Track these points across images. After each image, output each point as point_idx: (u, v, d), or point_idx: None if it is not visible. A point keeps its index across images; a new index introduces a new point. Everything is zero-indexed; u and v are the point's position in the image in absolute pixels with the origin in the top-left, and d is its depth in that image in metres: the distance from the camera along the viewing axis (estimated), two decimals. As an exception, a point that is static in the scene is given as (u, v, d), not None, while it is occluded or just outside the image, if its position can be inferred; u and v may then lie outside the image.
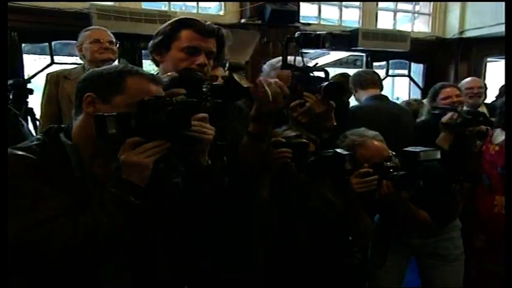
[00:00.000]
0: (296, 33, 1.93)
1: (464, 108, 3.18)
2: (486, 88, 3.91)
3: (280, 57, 2.01)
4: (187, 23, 1.67)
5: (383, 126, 2.65)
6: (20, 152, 1.18)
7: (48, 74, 3.01)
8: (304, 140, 1.81)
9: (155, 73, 1.53)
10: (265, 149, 1.69)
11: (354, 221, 1.94)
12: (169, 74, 1.51)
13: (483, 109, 3.71)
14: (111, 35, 2.98)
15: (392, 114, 3.09)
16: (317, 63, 2.00)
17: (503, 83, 3.94)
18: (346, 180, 1.90)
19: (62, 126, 1.33)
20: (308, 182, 1.86)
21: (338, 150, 1.82)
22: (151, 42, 1.72)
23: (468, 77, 4.16)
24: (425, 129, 2.94)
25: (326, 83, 1.88)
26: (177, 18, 1.71)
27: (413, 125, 3.16)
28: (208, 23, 1.68)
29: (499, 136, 2.62)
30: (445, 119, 2.72)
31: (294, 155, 1.76)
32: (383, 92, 3.36)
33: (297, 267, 1.87)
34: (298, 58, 1.96)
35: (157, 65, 1.78)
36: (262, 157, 1.70)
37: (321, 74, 1.96)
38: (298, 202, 1.88)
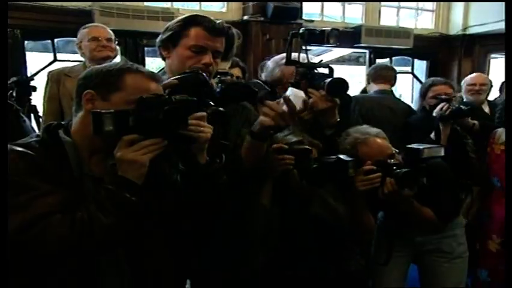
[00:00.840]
0: (301, 29, 1.92)
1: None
2: (491, 86, 3.84)
3: (284, 54, 2.00)
4: (197, 20, 1.66)
5: (381, 115, 2.65)
6: (19, 148, 1.18)
7: (49, 72, 3.02)
8: (307, 146, 1.79)
9: (157, 71, 1.52)
10: (265, 149, 1.68)
11: (356, 218, 1.94)
12: (169, 80, 1.50)
13: (485, 107, 3.67)
14: (110, 31, 2.97)
15: (392, 108, 3.15)
16: (322, 60, 1.99)
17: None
18: (350, 187, 1.90)
19: (62, 123, 1.34)
20: (310, 189, 1.85)
21: (341, 156, 1.81)
22: (159, 36, 1.72)
23: (472, 73, 4.13)
24: (416, 126, 2.93)
25: (330, 79, 1.87)
26: (188, 15, 1.71)
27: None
28: (220, 21, 1.67)
29: (503, 135, 2.59)
30: (435, 111, 2.70)
31: (296, 161, 1.75)
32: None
33: (298, 274, 1.86)
34: (302, 55, 1.96)
35: (163, 60, 1.78)
36: (263, 159, 1.69)
37: (325, 71, 1.96)
38: (301, 209, 1.87)
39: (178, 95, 1.37)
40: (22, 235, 1.09)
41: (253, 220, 1.78)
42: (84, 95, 1.26)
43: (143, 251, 1.35)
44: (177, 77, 1.50)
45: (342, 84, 1.91)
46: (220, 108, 1.45)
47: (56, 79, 2.91)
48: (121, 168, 1.20)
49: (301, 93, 1.66)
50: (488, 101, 3.78)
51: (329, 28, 1.91)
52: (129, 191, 1.18)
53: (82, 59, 3.00)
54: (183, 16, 1.71)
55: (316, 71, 1.95)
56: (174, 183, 1.40)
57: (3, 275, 1.13)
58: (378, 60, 5.47)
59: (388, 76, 3.36)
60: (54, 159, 1.21)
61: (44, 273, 1.20)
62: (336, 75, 1.95)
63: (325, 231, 1.86)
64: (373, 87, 3.34)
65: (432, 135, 2.67)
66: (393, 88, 3.48)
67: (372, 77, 3.39)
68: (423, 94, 3.02)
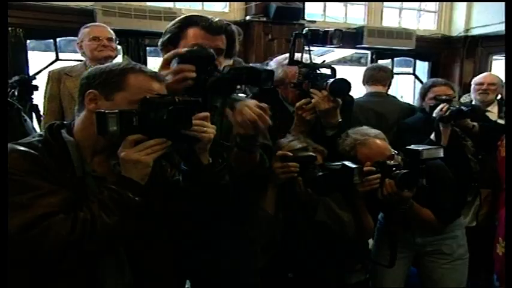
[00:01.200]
0: (304, 30, 1.93)
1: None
2: (502, 85, 3.76)
3: (287, 54, 2.00)
4: (194, 20, 1.64)
5: (363, 120, 2.64)
6: (22, 148, 1.18)
7: (50, 72, 3.03)
8: (311, 153, 1.79)
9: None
10: (258, 159, 1.61)
11: (356, 219, 1.94)
12: (178, 50, 1.49)
13: (494, 107, 3.64)
14: (111, 31, 2.98)
15: (378, 111, 3.05)
16: (324, 60, 2.00)
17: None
18: (355, 193, 1.90)
19: (64, 122, 1.34)
20: (316, 197, 1.84)
21: (346, 163, 1.80)
22: (160, 40, 1.71)
23: (474, 75, 4.10)
24: (414, 127, 2.87)
25: (332, 80, 1.87)
26: (184, 16, 1.69)
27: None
28: (217, 19, 1.65)
29: None
30: (435, 112, 2.68)
31: (301, 169, 1.74)
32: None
33: (299, 278, 1.86)
34: (305, 55, 1.96)
35: None
36: (256, 167, 1.64)
37: (328, 71, 1.96)
38: (305, 216, 1.86)
39: (186, 64, 1.38)
40: (24, 234, 1.09)
41: (255, 226, 1.77)
42: (87, 94, 1.26)
43: (145, 251, 1.35)
44: (186, 49, 1.49)
45: (345, 84, 1.92)
46: (226, 75, 1.43)
47: (56, 78, 2.91)
48: (124, 168, 1.20)
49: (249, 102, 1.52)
50: (498, 100, 3.74)
51: (332, 29, 1.91)
52: (132, 191, 1.19)
53: (84, 58, 3.00)
54: (179, 18, 1.69)
55: (318, 72, 1.95)
56: (176, 183, 1.40)
57: (3, 275, 1.13)
58: (380, 61, 5.46)
59: (380, 77, 3.26)
60: (56, 158, 1.22)
61: (44, 272, 1.20)
62: (338, 76, 1.95)
63: (329, 239, 1.86)
64: (367, 90, 3.26)
65: (432, 136, 2.65)
66: (395, 89, 3.41)
67: (365, 79, 3.30)
68: (423, 95, 2.97)
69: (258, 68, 1.50)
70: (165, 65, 1.49)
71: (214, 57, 1.49)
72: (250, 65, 1.55)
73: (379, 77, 3.26)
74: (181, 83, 1.41)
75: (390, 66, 5.60)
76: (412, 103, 4.53)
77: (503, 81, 3.76)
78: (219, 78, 1.41)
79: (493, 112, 3.57)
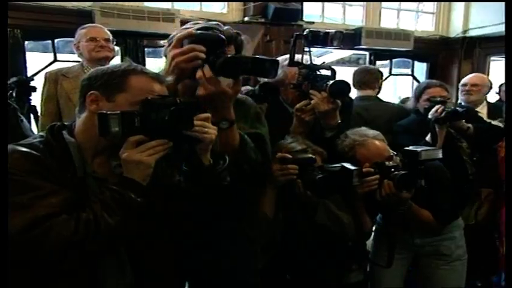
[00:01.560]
0: (305, 31, 1.93)
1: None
2: (491, 87, 3.77)
3: (287, 55, 2.01)
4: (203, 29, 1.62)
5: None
6: (23, 148, 1.19)
7: (47, 73, 3.02)
8: (311, 155, 1.79)
9: (159, 71, 1.51)
10: (233, 138, 1.55)
11: (354, 220, 1.94)
12: (188, 31, 1.49)
13: (484, 108, 3.62)
14: (108, 32, 2.97)
15: (363, 116, 2.95)
16: (324, 62, 2.00)
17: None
18: (354, 195, 1.90)
19: (65, 123, 1.34)
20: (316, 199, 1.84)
21: (345, 164, 1.80)
22: (164, 47, 1.68)
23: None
24: (408, 129, 2.84)
25: (332, 81, 1.87)
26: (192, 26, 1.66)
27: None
28: (226, 27, 1.61)
29: None
30: (431, 113, 2.67)
31: (300, 171, 1.74)
32: (385, 92, 3.32)
33: (298, 279, 1.86)
34: (305, 56, 1.96)
35: None
36: (238, 153, 1.57)
37: (328, 72, 1.96)
38: (306, 217, 1.86)
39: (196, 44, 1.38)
40: (25, 234, 1.09)
41: (255, 227, 1.77)
42: (89, 95, 1.26)
43: (146, 251, 1.35)
44: (198, 32, 1.49)
45: (344, 86, 1.92)
46: (234, 59, 1.43)
47: (53, 79, 2.90)
48: (126, 169, 1.21)
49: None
50: (488, 103, 3.72)
51: (333, 30, 1.92)
52: (134, 191, 1.19)
53: (81, 59, 3.00)
54: (186, 27, 1.66)
55: (318, 73, 1.96)
56: (177, 184, 1.40)
57: (3, 275, 1.13)
58: (378, 62, 5.48)
59: (367, 81, 3.17)
60: (58, 159, 1.22)
61: (45, 272, 1.20)
62: (337, 77, 1.95)
63: (329, 239, 1.86)
64: (357, 93, 3.19)
65: (428, 138, 2.65)
66: (393, 90, 3.37)
67: (353, 83, 3.20)
68: (417, 96, 2.95)
69: (263, 58, 1.50)
70: (178, 44, 1.48)
71: (225, 41, 1.48)
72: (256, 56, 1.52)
73: (366, 80, 3.18)
74: (191, 62, 1.41)
75: (388, 67, 5.63)
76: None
77: (492, 82, 3.75)
78: (227, 60, 1.41)
79: (481, 113, 3.48)
